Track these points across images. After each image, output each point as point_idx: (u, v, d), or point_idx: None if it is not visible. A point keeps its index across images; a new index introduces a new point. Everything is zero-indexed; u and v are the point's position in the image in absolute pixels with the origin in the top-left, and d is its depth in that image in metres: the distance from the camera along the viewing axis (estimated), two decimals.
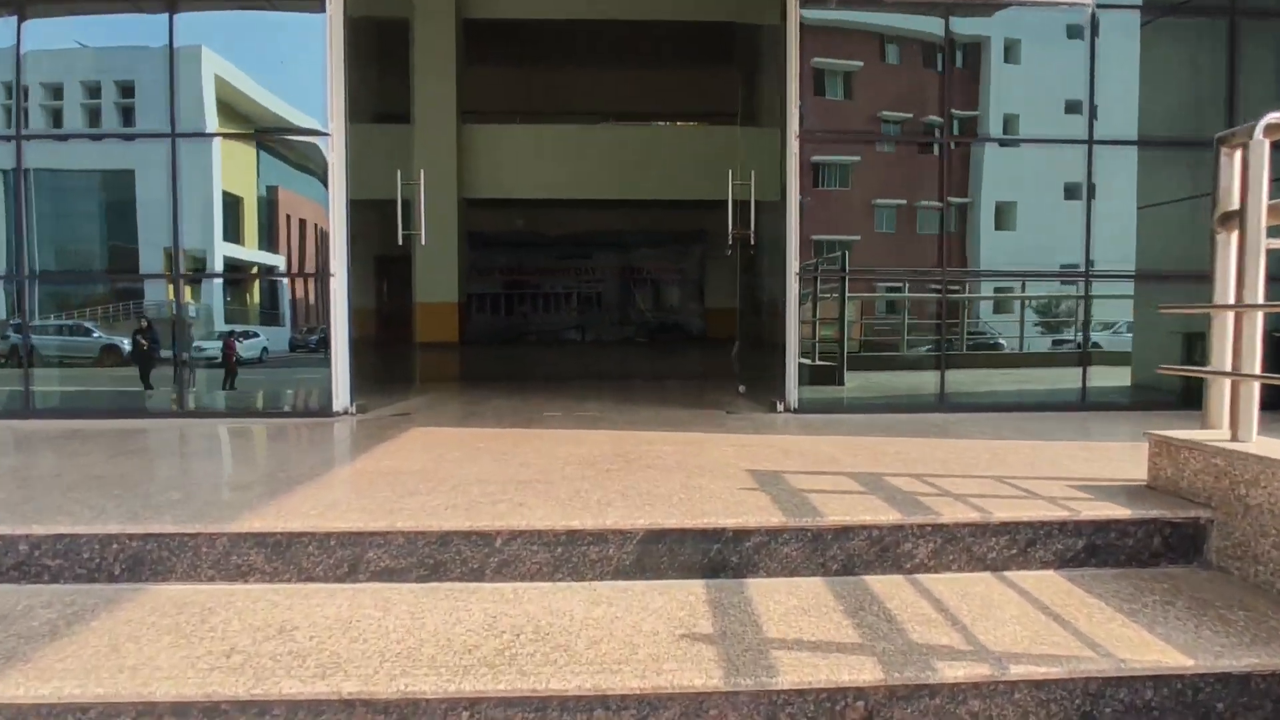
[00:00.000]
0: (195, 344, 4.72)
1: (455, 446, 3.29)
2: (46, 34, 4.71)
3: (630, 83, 19.13)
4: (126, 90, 4.67)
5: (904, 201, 5.57)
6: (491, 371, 8.84)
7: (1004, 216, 5.50)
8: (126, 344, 4.80)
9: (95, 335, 4.92)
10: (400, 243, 5.37)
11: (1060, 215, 5.46)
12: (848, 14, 5.06)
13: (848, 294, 5.22)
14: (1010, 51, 5.30)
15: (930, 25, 5.60)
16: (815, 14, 4.70)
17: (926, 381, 5.54)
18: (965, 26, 5.17)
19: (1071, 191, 5.27)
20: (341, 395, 4.43)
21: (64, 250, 4.93)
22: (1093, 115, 4.81)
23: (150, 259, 4.79)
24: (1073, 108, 5.55)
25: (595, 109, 17.62)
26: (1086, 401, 4.77)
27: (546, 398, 5.49)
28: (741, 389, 5.68)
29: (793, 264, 4.56)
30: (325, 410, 4.40)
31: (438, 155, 14.98)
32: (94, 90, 4.73)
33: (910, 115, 6.09)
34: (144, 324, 4.79)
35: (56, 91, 4.68)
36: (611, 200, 16.12)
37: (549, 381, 7.13)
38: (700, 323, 19.18)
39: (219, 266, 5.15)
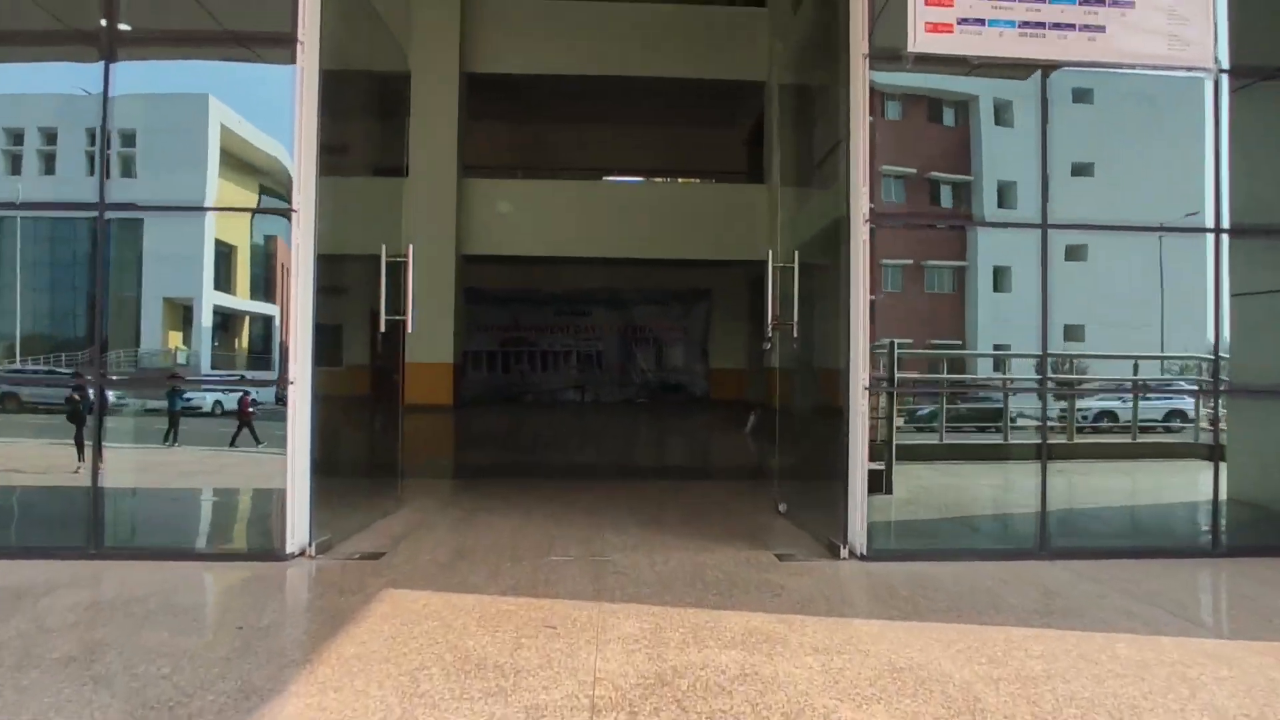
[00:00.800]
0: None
1: (436, 652, 2.35)
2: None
3: (633, 139, 18.56)
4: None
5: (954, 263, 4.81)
6: (487, 452, 7.90)
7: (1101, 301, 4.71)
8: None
9: None
10: (383, 329, 4.45)
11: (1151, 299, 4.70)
12: (929, 78, 4.27)
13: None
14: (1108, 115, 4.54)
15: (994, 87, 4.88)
16: (890, 78, 3.90)
17: (984, 488, 4.67)
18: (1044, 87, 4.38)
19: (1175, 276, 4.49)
20: (298, 531, 3.49)
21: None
22: (1218, 198, 3.99)
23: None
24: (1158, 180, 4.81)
25: (598, 165, 16.99)
26: (1223, 543, 3.85)
27: (552, 510, 4.57)
28: (782, 508, 4.76)
29: (860, 374, 3.68)
30: (274, 553, 3.46)
31: (437, 210, 14.24)
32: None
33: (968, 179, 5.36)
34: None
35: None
36: (614, 257, 15.36)
37: (552, 477, 6.20)
38: (704, 384, 18.33)
39: (209, 316, 4.77)
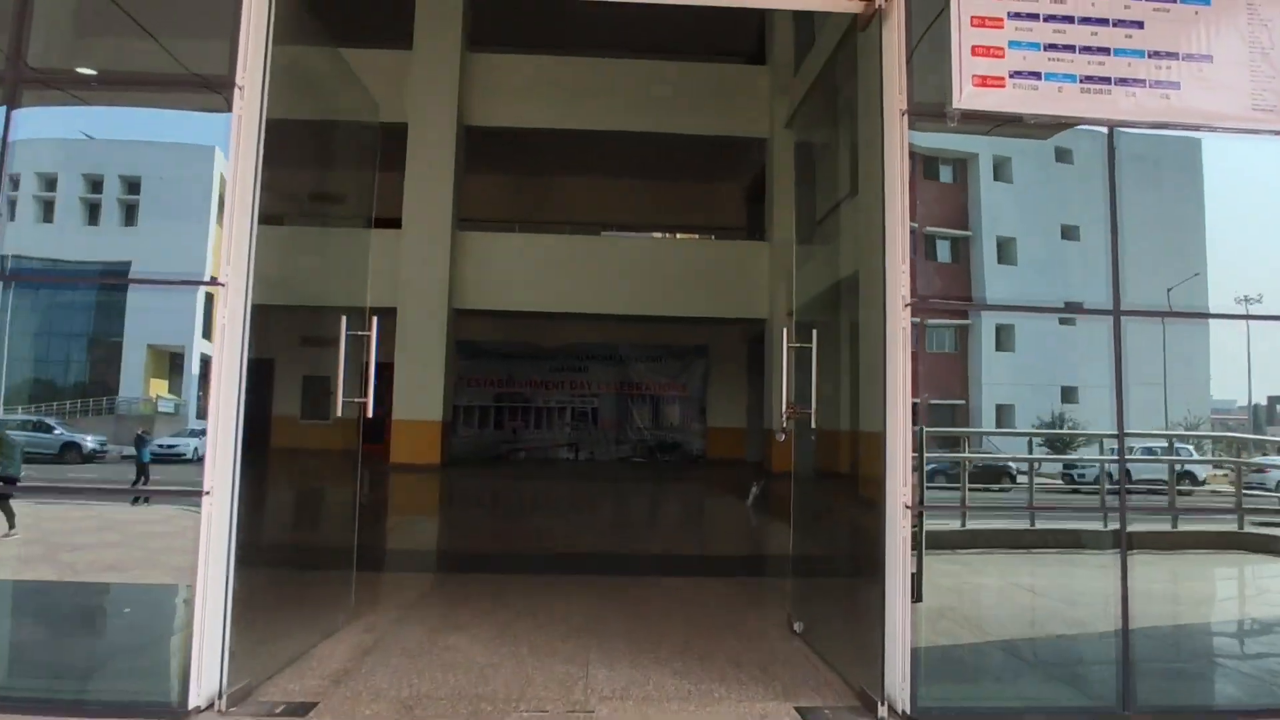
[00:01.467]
0: None
1: None
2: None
3: (632, 194, 18.18)
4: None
5: None
6: (468, 526, 7.16)
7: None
8: None
9: None
10: (338, 413, 3.81)
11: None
12: (973, 138, 3.71)
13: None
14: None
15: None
16: (930, 141, 3.34)
17: (1027, 593, 4.06)
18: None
19: None
20: (206, 678, 2.79)
21: None
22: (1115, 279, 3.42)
23: None
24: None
25: (596, 219, 16.56)
26: None
27: (534, 623, 3.87)
28: (798, 627, 4.06)
29: (899, 491, 3.03)
30: (172, 708, 2.75)
31: (430, 262, 13.72)
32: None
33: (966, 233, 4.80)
34: None
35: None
36: (611, 314, 14.80)
37: (538, 568, 5.48)
38: (701, 442, 17.63)
39: (197, 364, 4.18)
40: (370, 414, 3.80)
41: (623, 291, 14.28)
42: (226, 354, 2.99)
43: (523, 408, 17.47)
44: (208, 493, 2.87)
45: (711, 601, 4.69)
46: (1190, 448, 4.26)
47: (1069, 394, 4.20)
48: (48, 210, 3.63)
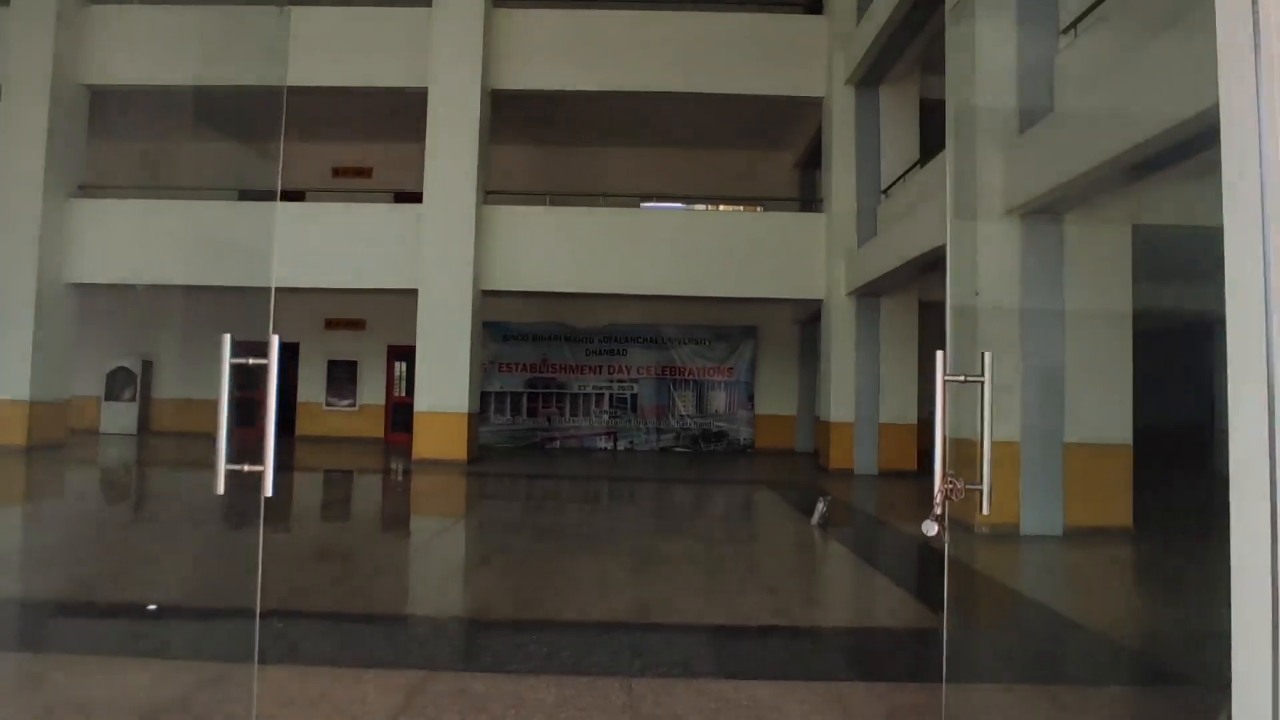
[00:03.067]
0: None
1: None
2: None
3: (674, 163, 16.52)
4: None
5: None
6: (472, 565, 5.78)
7: None
8: None
9: None
10: (220, 489, 2.38)
11: None
12: None
13: None
14: None
15: None
16: None
17: None
18: None
19: None
20: None
21: None
22: None
23: None
24: None
25: (634, 190, 14.99)
26: None
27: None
28: None
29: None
30: None
31: (452, 239, 12.33)
32: None
33: None
34: None
35: None
36: (652, 294, 13.28)
37: (550, 649, 4.07)
38: (749, 431, 16.09)
39: None
40: (269, 492, 2.31)
41: (665, 269, 12.76)
42: None
43: (557, 394, 16.14)
44: None
45: (774, 643, 3.16)
46: None
47: None
48: None
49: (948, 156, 7.94)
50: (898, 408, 12.19)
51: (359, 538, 6.39)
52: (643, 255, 12.80)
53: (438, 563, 5.42)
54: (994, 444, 2.35)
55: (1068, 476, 6.96)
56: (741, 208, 15.43)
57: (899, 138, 12.37)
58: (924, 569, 5.77)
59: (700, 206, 13.70)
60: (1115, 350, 7.02)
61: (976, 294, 7.15)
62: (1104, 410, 6.94)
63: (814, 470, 12.58)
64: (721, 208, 13.81)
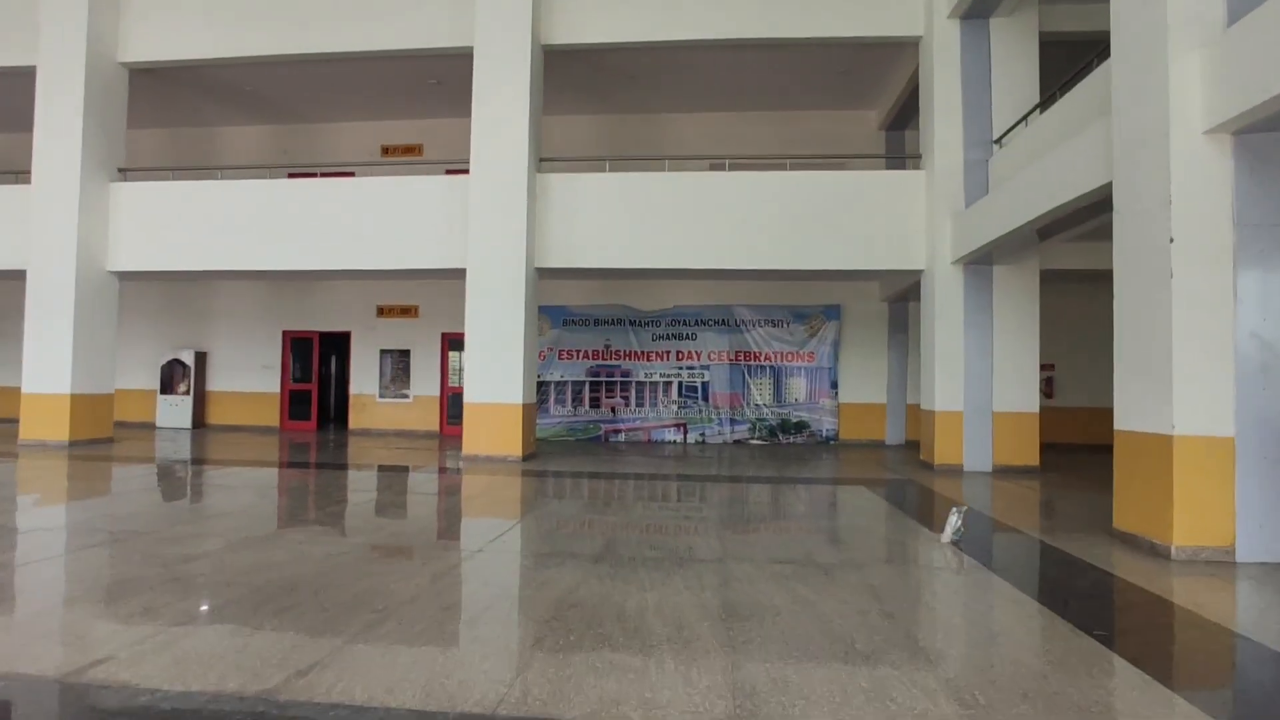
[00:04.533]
0: None
1: None
2: None
3: (743, 127, 14.81)
4: None
5: None
6: (495, 611, 4.32)
7: None
8: None
9: None
10: None
11: None
12: None
13: None
14: None
15: None
16: None
17: None
18: None
19: None
20: None
21: None
22: None
23: None
24: None
25: (702, 154, 13.33)
26: None
27: None
28: None
29: None
30: None
31: (502, 212, 10.96)
32: None
33: None
34: None
35: None
36: (724, 268, 11.65)
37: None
38: (832, 421, 14.32)
39: None
40: None
41: (737, 240, 11.10)
42: None
43: (621, 382, 14.65)
44: None
45: None
46: None
47: None
48: None
49: (1115, 68, 6.06)
50: (1016, 394, 10.25)
51: (324, 567, 5.03)
52: (712, 225, 11.16)
53: (429, 616, 3.98)
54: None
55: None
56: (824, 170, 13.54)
57: (1015, 78, 10.37)
58: (1131, 618, 4.04)
59: (779, 171, 11.92)
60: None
61: (1171, 240, 5.30)
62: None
63: (915, 466, 10.75)
64: (801, 170, 11.98)
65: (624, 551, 5.14)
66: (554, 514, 6.74)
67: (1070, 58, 9.75)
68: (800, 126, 14.46)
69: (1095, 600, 4.35)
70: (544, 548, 5.37)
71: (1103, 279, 13.08)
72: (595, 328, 14.72)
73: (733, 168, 11.69)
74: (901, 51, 12.05)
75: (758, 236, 11.13)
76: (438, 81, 13.53)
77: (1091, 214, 7.61)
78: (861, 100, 14.34)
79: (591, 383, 14.70)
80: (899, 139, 14.38)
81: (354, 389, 15.74)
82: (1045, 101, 9.15)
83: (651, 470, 10.21)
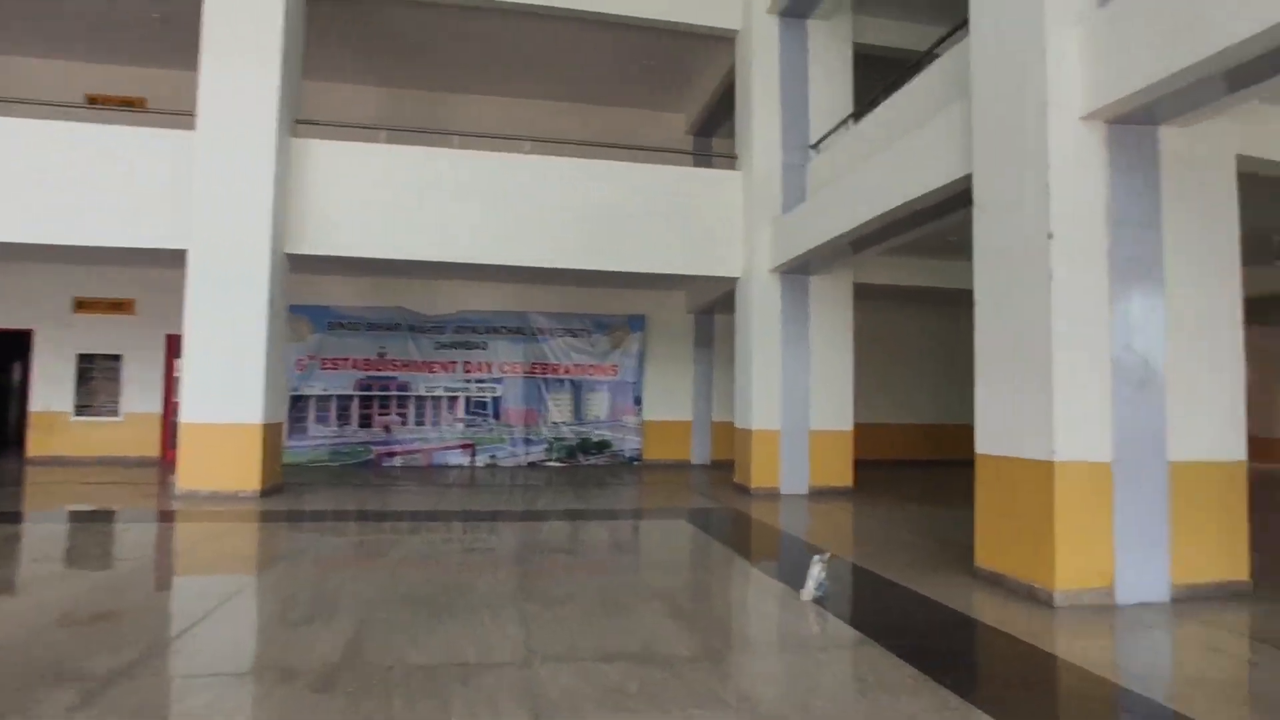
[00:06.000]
0: None
1: None
2: None
3: (546, 118, 13.35)
4: None
5: None
6: None
7: None
8: None
9: None
10: None
11: None
12: None
13: None
14: None
15: None
16: None
17: None
18: None
19: None
20: None
21: None
22: None
23: None
24: None
25: (498, 133, 11.67)
26: None
27: None
28: None
29: None
30: None
31: (237, 182, 8.57)
32: None
33: None
34: None
35: None
36: (522, 265, 10.07)
37: None
38: (636, 440, 13.18)
39: None
40: None
41: (539, 234, 9.57)
42: None
43: (398, 397, 12.45)
44: None
45: None
46: None
47: None
48: None
49: (975, 47, 5.34)
50: (832, 412, 9.67)
51: None
52: (509, 216, 9.54)
53: None
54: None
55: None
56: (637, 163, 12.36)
57: (832, 84, 9.87)
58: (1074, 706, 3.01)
59: (583, 159, 10.55)
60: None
61: (1050, 236, 4.55)
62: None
63: (730, 490, 9.80)
64: (611, 163, 10.71)
65: (376, 657, 3.34)
66: (279, 588, 4.70)
67: (880, 73, 9.42)
68: (606, 122, 13.26)
69: (1028, 689, 3.30)
70: (239, 663, 3.41)
71: (910, 294, 13.42)
72: (368, 333, 12.41)
73: (534, 154, 10.15)
74: (714, 51, 11.26)
75: (561, 232, 9.67)
76: (161, 18, 10.64)
77: (927, 218, 7.01)
78: (670, 101, 13.48)
79: (362, 397, 12.35)
80: (707, 146, 13.70)
81: (36, 404, 12.02)
82: (869, 104, 8.61)
83: (430, 505, 8.29)
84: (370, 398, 12.36)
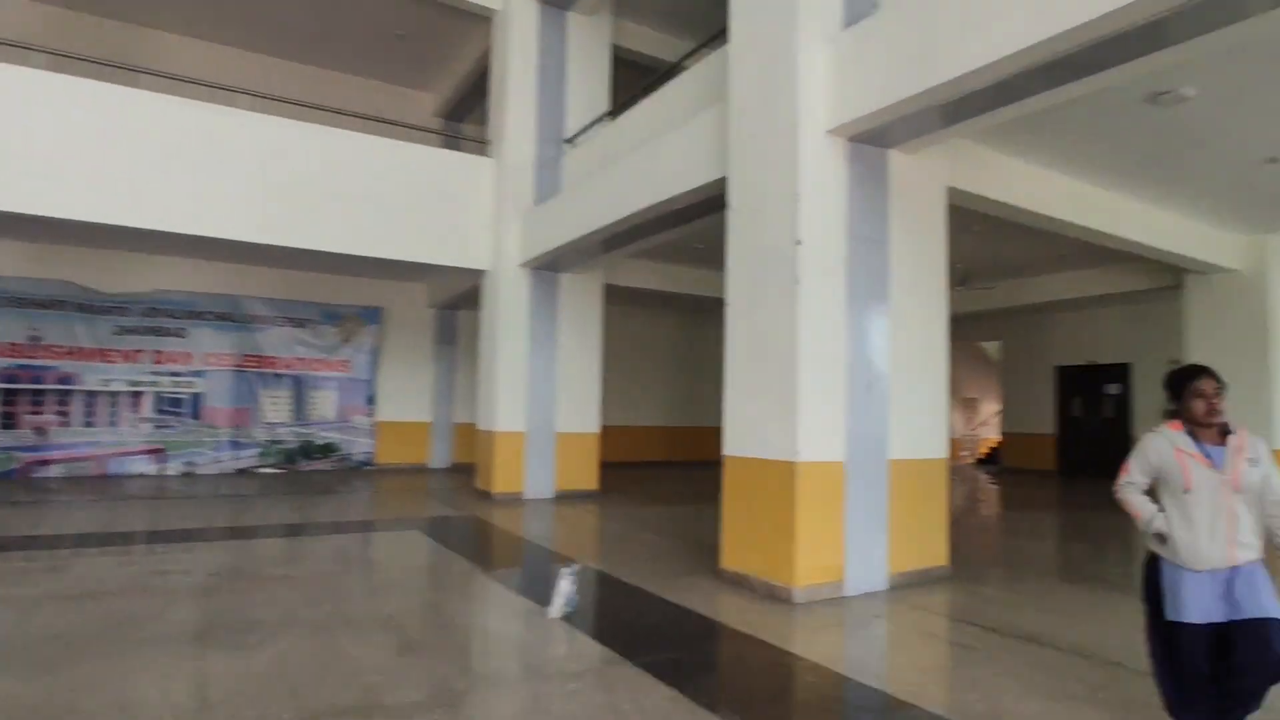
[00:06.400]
0: None
1: None
2: None
3: (273, 75, 11.72)
4: None
5: None
6: None
7: None
8: None
9: None
10: None
11: None
12: None
13: None
14: None
15: None
16: None
17: None
18: None
19: None
20: None
21: None
22: None
23: None
24: None
25: (197, 78, 9.92)
26: None
27: None
28: None
29: None
30: None
31: None
32: None
33: None
34: None
35: None
36: (232, 239, 8.61)
37: None
38: (368, 442, 12.04)
39: None
40: None
41: (257, 205, 8.20)
42: None
43: (60, 391, 10.05)
44: None
45: None
46: None
47: None
48: None
49: (734, 55, 5.39)
50: (579, 414, 9.48)
51: None
52: (220, 180, 8.07)
53: None
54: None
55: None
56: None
57: (590, 79, 9.73)
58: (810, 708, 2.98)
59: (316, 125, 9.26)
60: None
61: (799, 242, 4.67)
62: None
63: (471, 496, 9.19)
64: (350, 133, 9.52)
65: None
66: None
67: (638, 79, 9.47)
68: (342, 91, 11.91)
69: (775, 699, 3.22)
70: None
71: (658, 299, 13.70)
72: (17, 310, 9.87)
73: (251, 107, 8.72)
74: (471, 30, 10.61)
75: (284, 206, 8.40)
76: None
77: (679, 219, 7.05)
78: (419, 78, 12.52)
79: (5, 391, 9.78)
80: (456, 131, 12.92)
81: None
82: (628, 103, 8.55)
83: (100, 525, 6.66)
84: (17, 391, 9.83)
